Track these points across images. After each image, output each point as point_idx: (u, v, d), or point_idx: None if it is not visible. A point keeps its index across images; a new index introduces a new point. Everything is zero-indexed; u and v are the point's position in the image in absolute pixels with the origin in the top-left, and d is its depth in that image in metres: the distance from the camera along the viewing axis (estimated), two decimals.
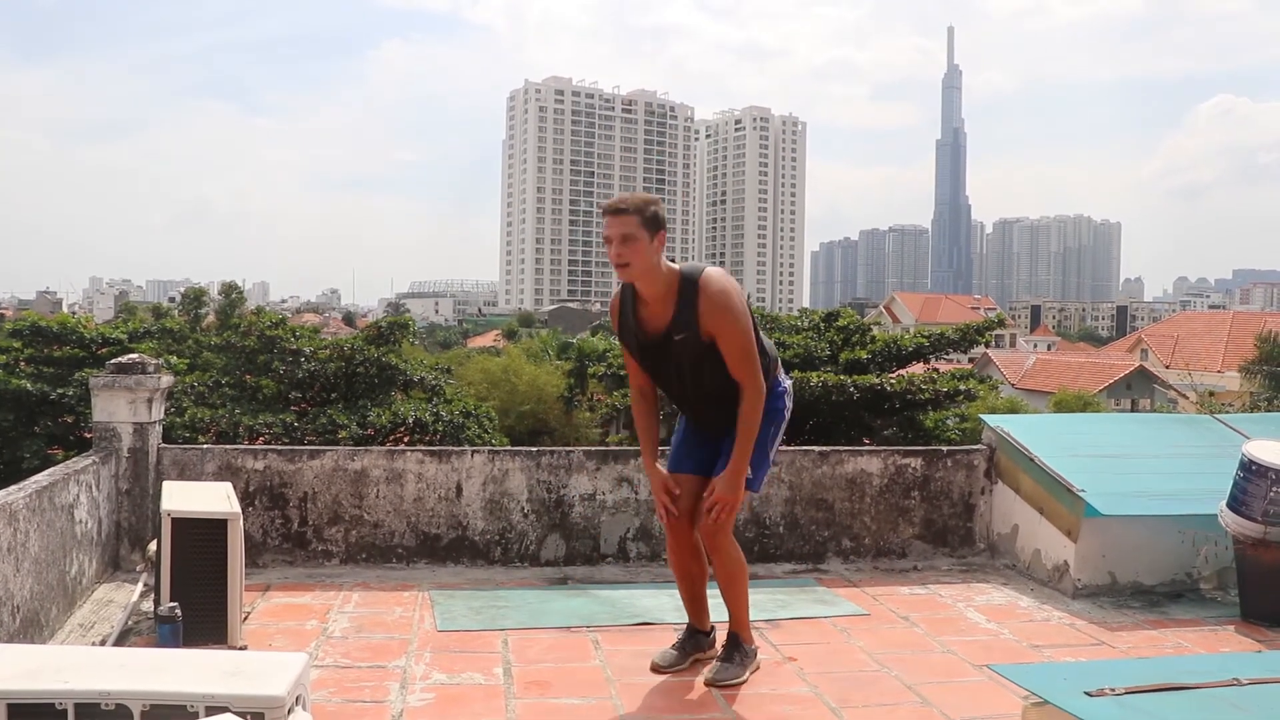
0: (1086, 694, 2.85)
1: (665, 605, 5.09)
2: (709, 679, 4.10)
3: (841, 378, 15.72)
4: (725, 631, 4.26)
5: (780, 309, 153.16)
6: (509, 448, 6.84)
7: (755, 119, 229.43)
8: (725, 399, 3.96)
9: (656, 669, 4.24)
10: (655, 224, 3.80)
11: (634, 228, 3.76)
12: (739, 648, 4.20)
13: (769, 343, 4.15)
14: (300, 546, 5.90)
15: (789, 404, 4.21)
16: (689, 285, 3.84)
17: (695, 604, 4.33)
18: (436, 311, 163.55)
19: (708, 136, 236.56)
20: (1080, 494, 5.54)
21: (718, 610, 4.27)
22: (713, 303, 3.82)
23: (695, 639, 4.33)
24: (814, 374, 15.70)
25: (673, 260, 3.96)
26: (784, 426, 4.22)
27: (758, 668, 4.25)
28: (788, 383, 4.24)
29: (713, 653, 4.30)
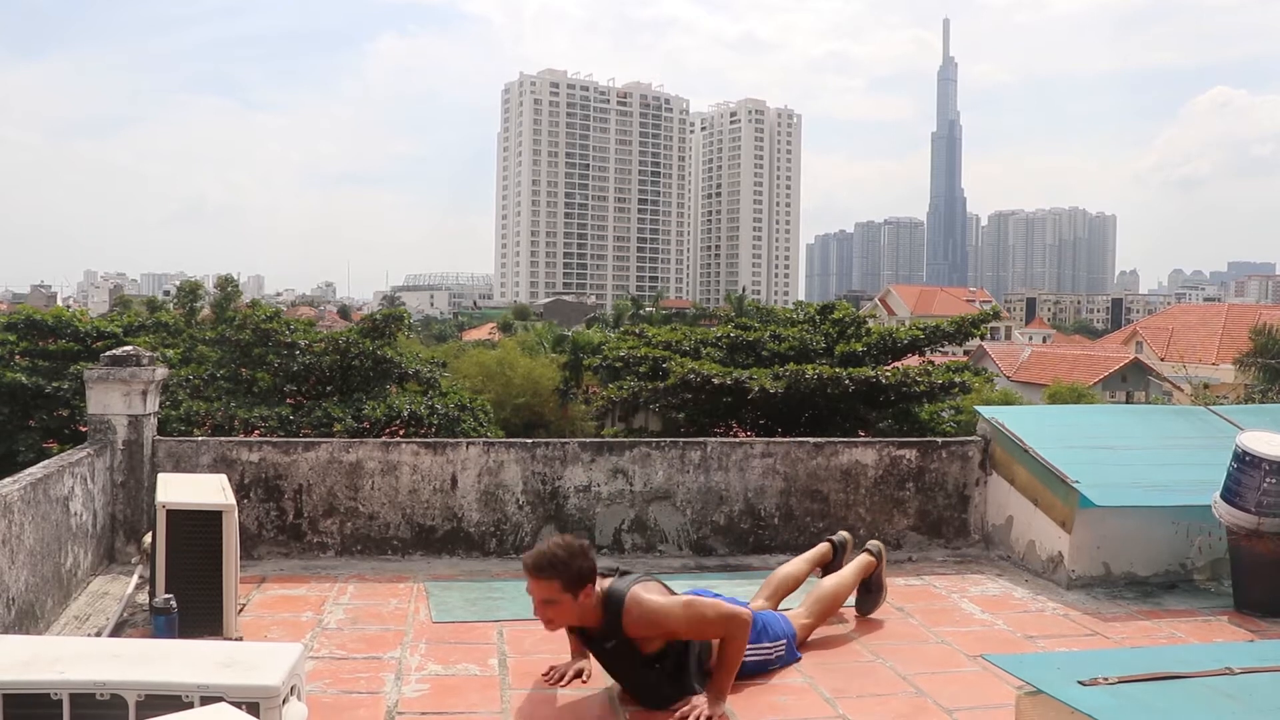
0: (1080, 683, 2.86)
1: None
2: None
3: (837, 370, 15.73)
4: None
5: (775, 302, 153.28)
6: (504, 439, 6.84)
7: (750, 111, 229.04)
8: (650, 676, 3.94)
9: None
10: (580, 582, 3.71)
11: (556, 593, 3.69)
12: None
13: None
14: (295, 538, 5.89)
15: (776, 648, 4.26)
16: (613, 611, 3.77)
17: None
18: (432, 304, 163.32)
19: (703, 129, 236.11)
20: (1074, 485, 5.55)
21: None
22: (637, 625, 3.76)
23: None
24: (809, 366, 15.70)
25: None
26: (774, 648, 4.27)
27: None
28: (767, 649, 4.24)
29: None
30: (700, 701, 3.81)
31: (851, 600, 5.08)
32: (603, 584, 3.83)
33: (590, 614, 3.79)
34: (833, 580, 4.80)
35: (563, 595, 3.69)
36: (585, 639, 4.00)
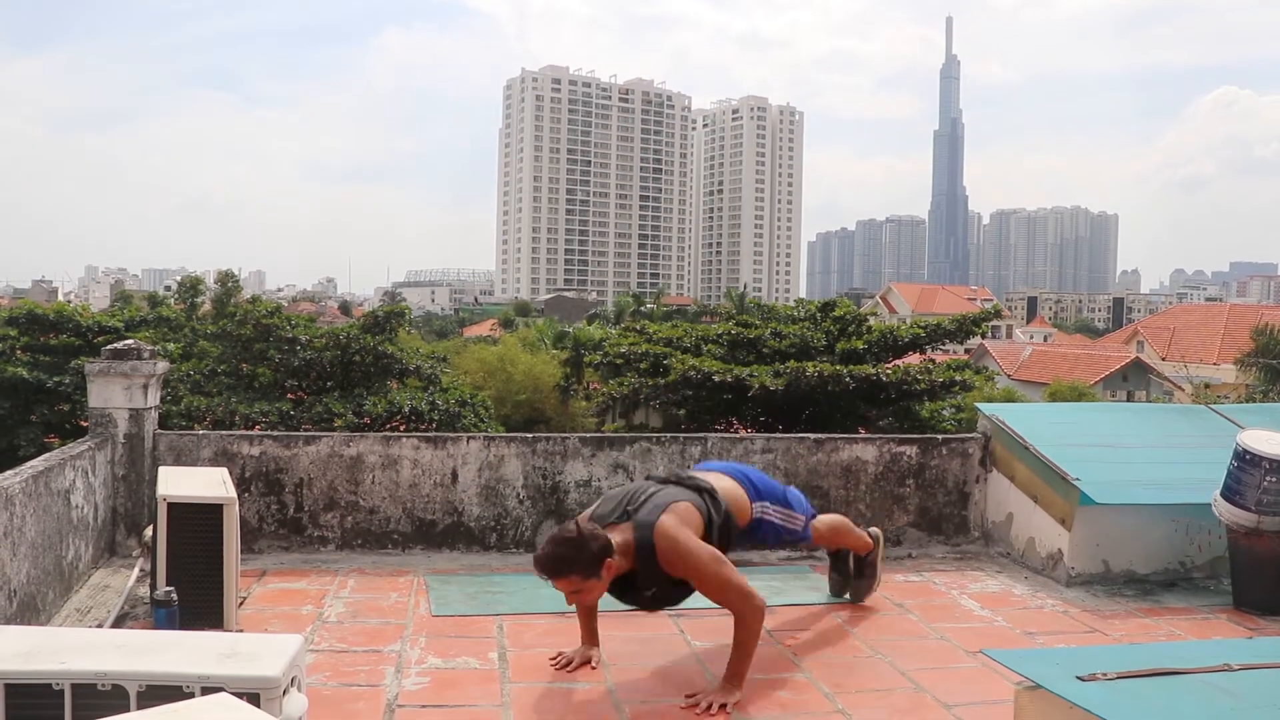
0: (1079, 679, 2.86)
1: None
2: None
3: (838, 368, 15.73)
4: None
5: (776, 299, 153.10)
6: (504, 434, 6.85)
7: (753, 109, 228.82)
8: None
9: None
10: (597, 564, 3.74)
11: (579, 583, 3.77)
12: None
13: (733, 500, 4.25)
14: (296, 532, 5.90)
15: (773, 509, 4.44)
16: (646, 554, 3.83)
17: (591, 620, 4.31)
18: (433, 300, 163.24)
19: (705, 126, 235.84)
20: (1075, 483, 5.56)
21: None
22: (669, 562, 3.83)
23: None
24: (810, 364, 15.71)
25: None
26: (784, 510, 4.48)
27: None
28: (760, 512, 4.40)
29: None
30: (712, 689, 3.83)
31: (838, 595, 5.14)
32: (625, 531, 3.85)
33: (624, 568, 3.85)
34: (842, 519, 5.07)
35: (586, 582, 3.76)
36: (621, 592, 3.98)
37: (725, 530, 4.12)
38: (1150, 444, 6.23)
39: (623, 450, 6.15)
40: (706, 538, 3.97)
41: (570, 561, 3.72)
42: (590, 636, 4.25)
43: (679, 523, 3.86)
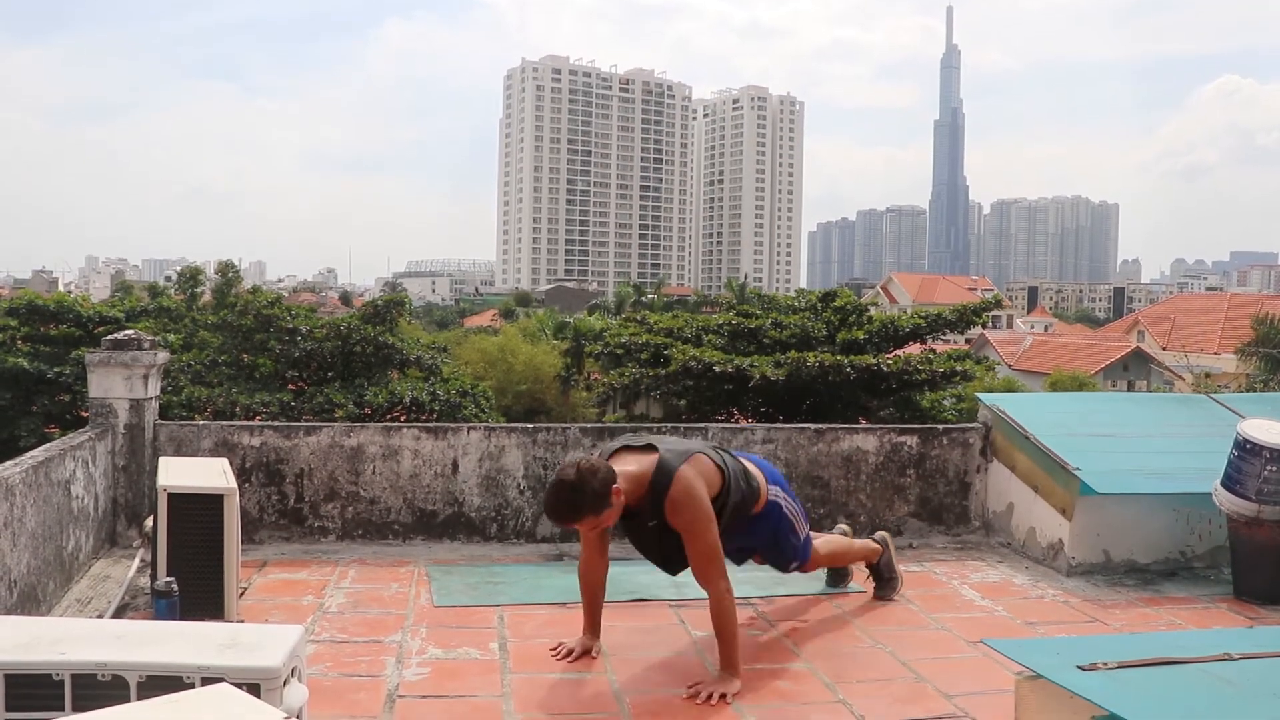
0: (1079, 668, 2.86)
1: (661, 582, 5.08)
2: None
3: (838, 358, 15.70)
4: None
5: (777, 289, 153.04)
6: (505, 425, 6.84)
7: (753, 99, 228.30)
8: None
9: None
10: (603, 497, 3.79)
11: (593, 520, 3.85)
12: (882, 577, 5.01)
13: (753, 473, 4.28)
14: (296, 523, 5.90)
15: (784, 496, 4.42)
16: (659, 489, 3.89)
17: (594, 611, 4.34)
18: (434, 291, 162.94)
19: (705, 116, 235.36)
20: (1075, 472, 5.55)
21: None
22: (674, 506, 3.89)
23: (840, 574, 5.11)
24: (810, 354, 15.68)
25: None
26: (793, 506, 4.45)
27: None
28: (778, 496, 4.40)
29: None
30: (712, 679, 3.86)
31: (852, 586, 5.16)
32: (645, 462, 3.92)
33: (634, 495, 3.91)
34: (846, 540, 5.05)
35: (598, 517, 3.83)
36: (625, 519, 4.03)
37: (740, 508, 4.14)
38: (1151, 433, 6.23)
39: None
40: (718, 502, 4.01)
41: (576, 505, 3.79)
42: (592, 626, 4.26)
43: (697, 475, 3.94)
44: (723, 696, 3.75)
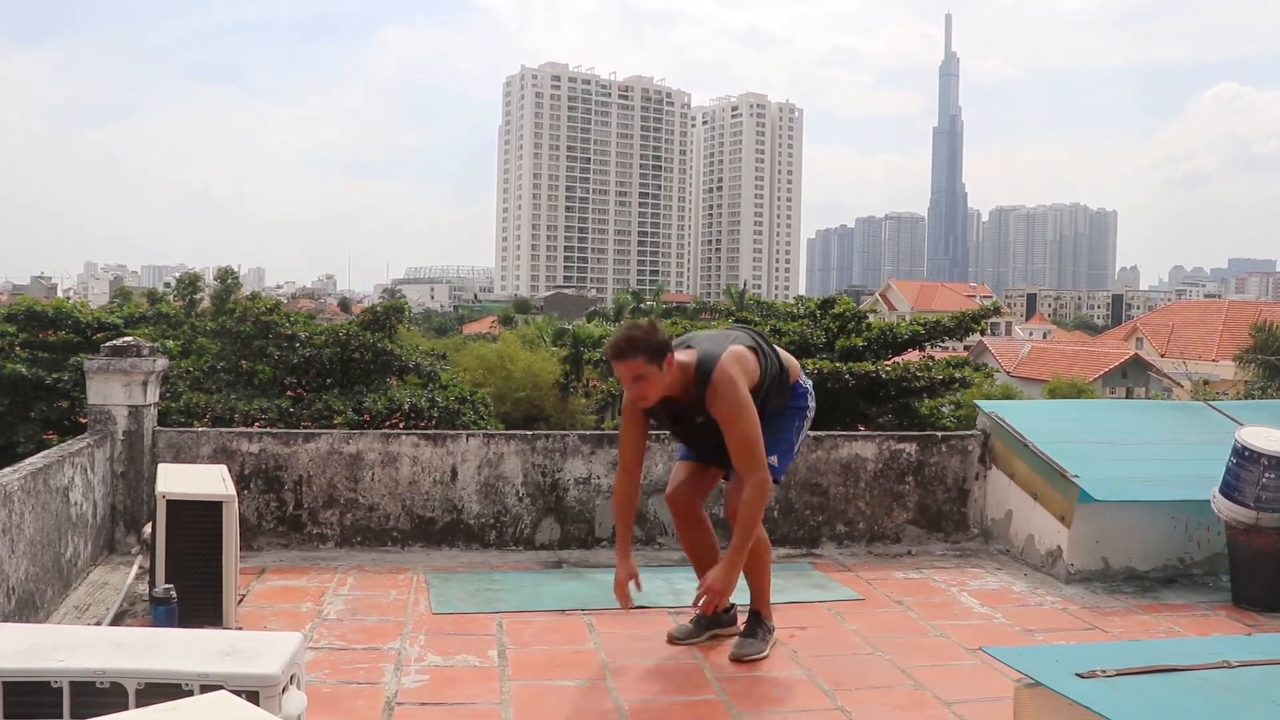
0: (1078, 675, 2.86)
1: (660, 589, 5.11)
2: (734, 654, 4.24)
3: (837, 365, 15.74)
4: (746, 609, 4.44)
5: (776, 296, 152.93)
6: (504, 431, 6.84)
7: (752, 106, 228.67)
8: None
9: (673, 640, 4.41)
10: (661, 353, 3.90)
11: (642, 367, 3.90)
12: (761, 624, 4.36)
13: (785, 356, 4.33)
14: (295, 529, 5.90)
15: (811, 403, 4.45)
16: (703, 379, 3.99)
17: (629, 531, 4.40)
18: (432, 298, 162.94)
19: (705, 123, 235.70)
20: (1074, 479, 5.55)
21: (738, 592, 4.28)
22: (715, 394, 3.97)
23: (716, 615, 4.40)
24: (810, 361, 15.71)
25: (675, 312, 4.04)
26: (808, 422, 4.47)
27: (777, 642, 4.40)
28: (808, 383, 4.47)
29: (733, 630, 4.43)
30: (714, 574, 4.01)
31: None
32: (689, 355, 4.01)
33: (677, 385, 3.99)
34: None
35: (648, 367, 3.89)
36: (674, 416, 4.14)
37: (779, 383, 4.22)
38: (1149, 441, 6.23)
39: None
40: (758, 388, 4.09)
41: (638, 343, 3.87)
42: (627, 555, 4.24)
43: (737, 363, 4.01)
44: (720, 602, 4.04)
